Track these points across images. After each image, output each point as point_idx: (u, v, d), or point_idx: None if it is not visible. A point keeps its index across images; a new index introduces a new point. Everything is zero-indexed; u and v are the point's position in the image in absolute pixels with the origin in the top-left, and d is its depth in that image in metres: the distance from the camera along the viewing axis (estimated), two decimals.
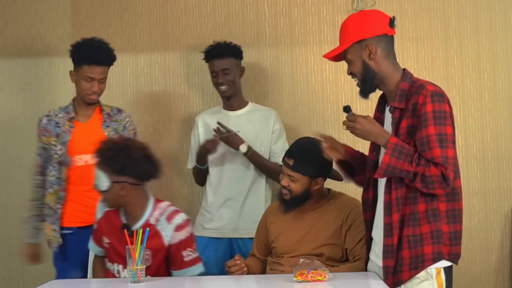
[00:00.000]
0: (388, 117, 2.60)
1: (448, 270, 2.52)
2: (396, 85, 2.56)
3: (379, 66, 2.57)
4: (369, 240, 2.71)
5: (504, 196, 3.98)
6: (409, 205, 2.49)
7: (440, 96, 2.48)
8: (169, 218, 2.88)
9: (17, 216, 4.07)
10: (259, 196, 3.62)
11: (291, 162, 2.96)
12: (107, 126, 3.46)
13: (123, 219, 2.91)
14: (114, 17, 4.10)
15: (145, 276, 2.64)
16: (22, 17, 4.11)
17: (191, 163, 3.76)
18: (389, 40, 2.61)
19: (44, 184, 3.44)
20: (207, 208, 3.66)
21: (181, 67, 4.09)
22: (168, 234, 2.85)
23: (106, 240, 2.93)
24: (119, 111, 3.55)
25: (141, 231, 2.65)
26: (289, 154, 3.00)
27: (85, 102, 3.43)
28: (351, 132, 2.56)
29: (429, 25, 4.01)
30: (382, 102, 2.69)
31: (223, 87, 3.63)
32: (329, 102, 4.01)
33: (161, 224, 2.87)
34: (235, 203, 3.60)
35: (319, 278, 2.52)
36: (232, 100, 3.69)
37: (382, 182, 2.61)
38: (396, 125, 2.53)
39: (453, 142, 2.46)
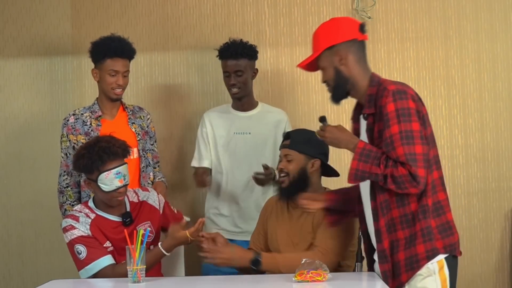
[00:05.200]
0: (363, 124, 2.60)
1: (451, 262, 2.50)
2: (365, 90, 2.58)
3: (350, 71, 2.58)
4: (366, 250, 2.72)
5: (504, 196, 3.98)
6: (397, 208, 2.49)
7: (402, 93, 2.45)
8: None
9: (17, 216, 4.08)
10: (258, 197, 3.59)
11: (287, 142, 3.02)
12: (133, 123, 3.49)
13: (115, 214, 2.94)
14: (114, 17, 4.10)
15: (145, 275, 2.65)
16: (22, 17, 4.11)
17: (196, 161, 3.67)
18: (360, 45, 2.62)
19: (72, 183, 3.43)
20: (210, 211, 3.65)
21: (181, 67, 4.09)
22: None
23: (107, 244, 2.91)
24: (140, 108, 3.61)
25: (141, 231, 2.65)
26: (286, 136, 3.07)
27: (111, 98, 3.43)
28: (324, 141, 2.61)
29: (429, 25, 4.01)
30: (357, 111, 2.69)
31: (234, 89, 3.58)
32: (329, 102, 3.99)
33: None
34: (236, 206, 3.58)
35: (318, 278, 2.52)
36: (243, 100, 3.64)
37: (364, 190, 2.62)
38: (370, 131, 2.54)
39: (422, 138, 2.43)
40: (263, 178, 3.42)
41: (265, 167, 3.42)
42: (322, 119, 2.63)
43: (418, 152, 2.39)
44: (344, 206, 2.82)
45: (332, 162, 3.08)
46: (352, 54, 2.58)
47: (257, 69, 3.67)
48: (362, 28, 2.61)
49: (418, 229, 2.47)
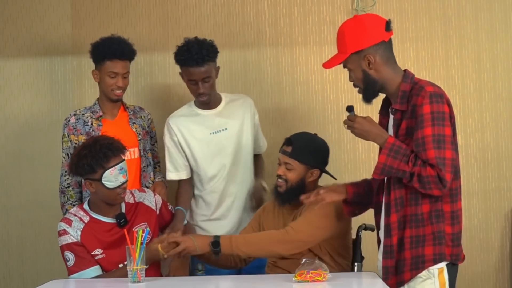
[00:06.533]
0: (391, 118, 2.62)
1: (451, 268, 2.53)
2: (398, 87, 2.57)
3: (380, 74, 2.57)
4: (378, 241, 2.72)
5: (504, 196, 3.98)
6: (410, 206, 2.51)
7: (438, 97, 2.47)
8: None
9: (17, 216, 4.08)
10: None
11: (289, 149, 2.99)
12: (134, 123, 3.50)
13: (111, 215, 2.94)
14: (114, 17, 4.10)
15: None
16: (22, 17, 4.11)
17: (174, 174, 3.46)
18: (387, 45, 2.60)
19: (74, 183, 3.43)
20: (201, 219, 3.51)
21: None
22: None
23: (97, 251, 2.90)
24: (141, 108, 3.63)
25: (141, 231, 2.64)
26: (287, 141, 3.02)
27: (111, 99, 3.43)
28: (351, 131, 2.59)
29: (429, 25, 4.00)
30: (386, 105, 2.69)
31: (204, 98, 3.36)
32: (329, 102, 4.01)
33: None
34: (238, 202, 3.49)
35: (318, 278, 2.52)
36: (211, 101, 3.45)
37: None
38: (397, 126, 2.55)
39: (452, 143, 2.46)
40: (260, 199, 3.37)
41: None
42: (350, 109, 2.61)
43: (448, 157, 2.42)
44: (363, 199, 2.79)
45: (332, 163, 3.08)
46: (380, 56, 2.56)
47: (218, 66, 3.42)
48: (388, 26, 2.59)
49: (429, 231, 2.48)
